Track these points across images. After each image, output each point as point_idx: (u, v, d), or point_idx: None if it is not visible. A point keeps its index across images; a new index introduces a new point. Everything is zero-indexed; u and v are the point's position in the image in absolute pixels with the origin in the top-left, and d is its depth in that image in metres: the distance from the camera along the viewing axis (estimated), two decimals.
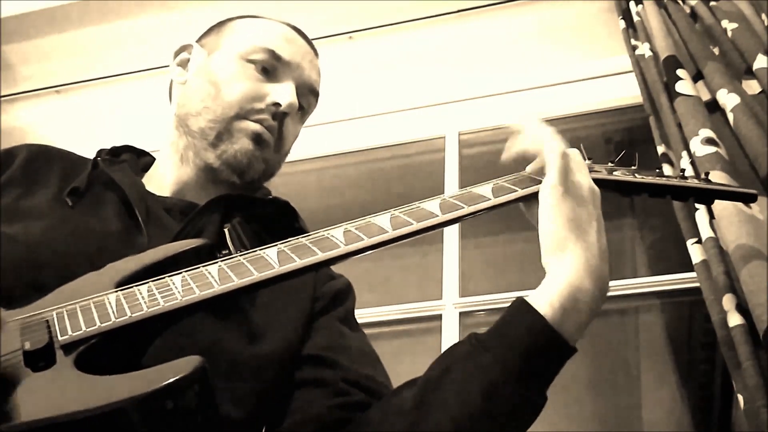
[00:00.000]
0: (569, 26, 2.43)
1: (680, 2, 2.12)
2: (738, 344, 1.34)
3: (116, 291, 0.81)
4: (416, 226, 0.86)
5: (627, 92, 2.26)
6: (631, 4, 2.23)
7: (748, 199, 1.10)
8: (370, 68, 2.61)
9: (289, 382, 0.98)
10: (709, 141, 1.64)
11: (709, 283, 1.50)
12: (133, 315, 0.76)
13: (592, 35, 2.40)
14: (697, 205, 1.59)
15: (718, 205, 1.48)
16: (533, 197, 0.90)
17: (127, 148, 1.20)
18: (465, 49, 2.54)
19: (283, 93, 1.10)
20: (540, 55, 2.48)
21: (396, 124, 2.60)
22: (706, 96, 1.82)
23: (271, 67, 1.12)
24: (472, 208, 0.89)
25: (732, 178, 1.52)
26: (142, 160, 1.20)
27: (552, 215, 0.86)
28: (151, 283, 0.81)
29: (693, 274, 1.60)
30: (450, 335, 2.06)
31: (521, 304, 0.83)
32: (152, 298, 0.78)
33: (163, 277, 0.82)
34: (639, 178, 1.02)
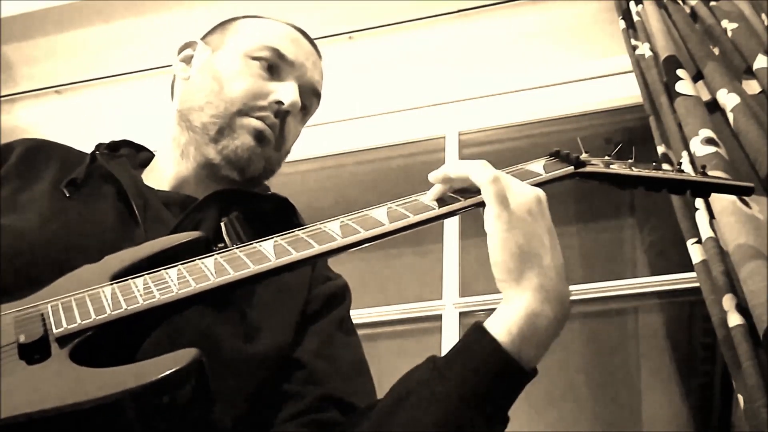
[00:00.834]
0: (569, 26, 2.44)
1: (680, 2, 2.12)
2: (738, 344, 1.34)
3: (112, 284, 0.80)
4: (413, 219, 0.85)
5: (627, 92, 2.27)
6: (631, 4, 2.23)
7: (744, 192, 1.09)
8: (370, 68, 2.61)
9: (276, 385, 0.97)
10: (709, 141, 1.64)
11: (709, 283, 1.49)
12: (129, 308, 0.75)
13: (592, 35, 2.40)
14: (697, 205, 1.59)
15: (718, 204, 1.48)
16: None
17: (126, 143, 1.20)
18: (465, 49, 2.54)
19: (286, 91, 1.10)
20: (540, 55, 2.48)
21: (396, 124, 2.60)
22: (706, 96, 1.82)
23: (274, 66, 1.12)
24: (469, 202, 0.88)
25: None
26: (140, 155, 1.20)
27: (501, 247, 0.81)
28: (146, 276, 0.81)
29: (693, 274, 1.60)
30: (450, 335, 2.05)
31: (478, 331, 0.80)
32: (148, 291, 0.78)
33: (159, 270, 0.81)
34: (635, 171, 1.01)
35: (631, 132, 2.34)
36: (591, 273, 2.08)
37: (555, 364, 1.93)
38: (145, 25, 2.69)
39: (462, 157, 2.45)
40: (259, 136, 1.08)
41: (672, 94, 1.84)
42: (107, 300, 0.77)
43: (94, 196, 1.03)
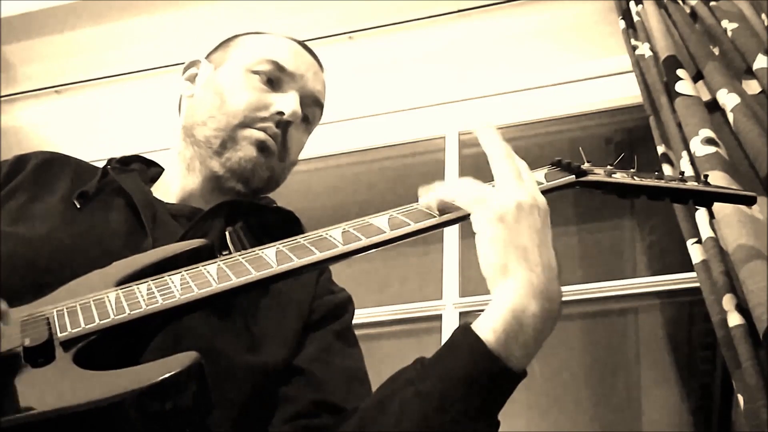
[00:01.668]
0: (569, 26, 2.44)
1: (680, 2, 2.13)
2: (738, 344, 1.34)
3: (116, 289, 0.81)
4: (414, 226, 0.86)
5: (627, 92, 2.27)
6: (631, 4, 2.23)
7: (747, 202, 1.09)
8: (370, 68, 2.61)
9: (273, 396, 0.97)
10: (709, 141, 1.64)
11: (709, 283, 1.50)
12: (132, 313, 0.76)
13: (592, 35, 2.40)
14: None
15: (718, 205, 1.49)
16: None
17: (137, 158, 1.22)
18: (465, 49, 2.54)
19: (287, 102, 1.11)
20: (540, 55, 2.48)
21: (396, 124, 2.60)
22: (706, 96, 1.82)
23: (275, 78, 1.14)
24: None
25: (732, 178, 1.53)
26: (151, 170, 1.22)
27: (487, 245, 0.81)
28: (150, 281, 0.82)
29: (693, 274, 1.60)
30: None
31: (463, 330, 0.80)
32: (151, 296, 0.78)
33: (163, 276, 0.82)
34: (638, 180, 1.01)
35: (631, 132, 2.34)
36: (591, 273, 2.09)
37: (555, 364, 1.93)
38: (145, 25, 2.69)
39: (462, 157, 2.46)
40: (261, 146, 1.10)
41: (672, 94, 1.84)
42: (111, 305, 0.78)
43: (104, 208, 1.05)
